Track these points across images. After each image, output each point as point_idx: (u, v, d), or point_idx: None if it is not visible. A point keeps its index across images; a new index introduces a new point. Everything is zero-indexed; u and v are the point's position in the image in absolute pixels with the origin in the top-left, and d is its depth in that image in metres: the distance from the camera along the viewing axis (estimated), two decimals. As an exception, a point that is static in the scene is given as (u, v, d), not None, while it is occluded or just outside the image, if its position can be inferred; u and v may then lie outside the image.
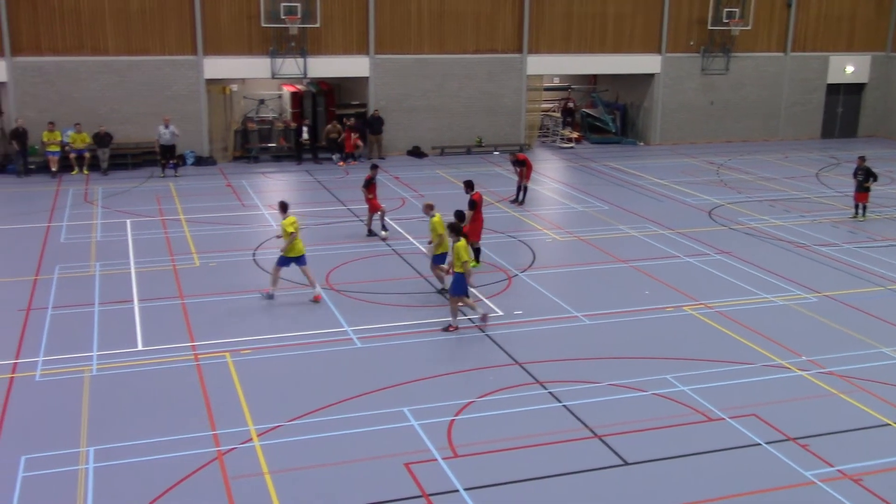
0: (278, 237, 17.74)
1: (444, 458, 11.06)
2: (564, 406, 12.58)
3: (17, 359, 14.03)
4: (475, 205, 18.80)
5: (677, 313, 16.46)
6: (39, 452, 11.08)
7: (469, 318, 15.85)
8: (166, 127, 28.98)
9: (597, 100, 39.15)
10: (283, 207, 17.31)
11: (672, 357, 14.36)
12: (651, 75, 36.71)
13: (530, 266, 19.38)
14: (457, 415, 12.26)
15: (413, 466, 10.85)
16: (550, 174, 30.58)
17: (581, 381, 13.45)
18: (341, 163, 31.77)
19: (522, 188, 25.59)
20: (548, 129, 38.39)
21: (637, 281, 18.43)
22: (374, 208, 21.46)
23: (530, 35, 34.53)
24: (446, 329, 15.38)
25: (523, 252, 20.51)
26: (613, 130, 38.09)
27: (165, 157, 29.12)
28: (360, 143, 32.13)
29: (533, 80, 36.02)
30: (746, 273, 18.94)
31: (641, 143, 37.52)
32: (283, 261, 16.84)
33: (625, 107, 38.45)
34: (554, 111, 39.79)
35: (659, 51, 36.34)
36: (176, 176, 28.95)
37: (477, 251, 19.02)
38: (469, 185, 19.57)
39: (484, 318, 15.67)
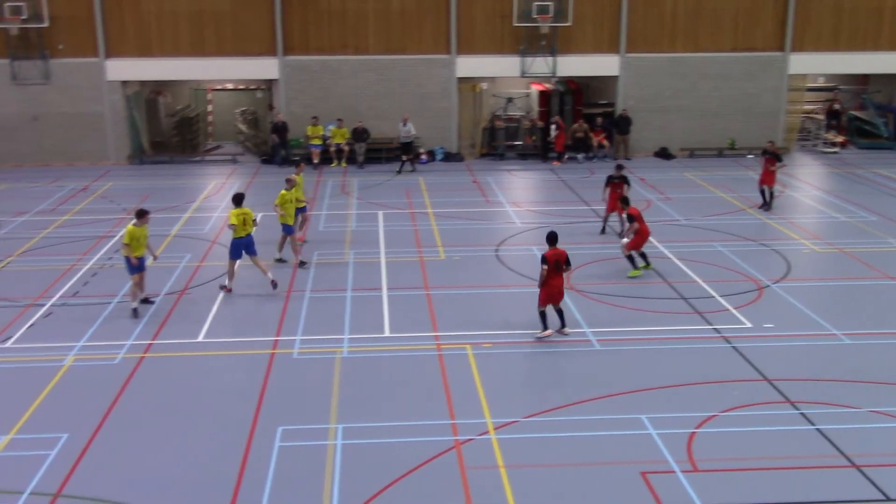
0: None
1: (682, 472, 10.65)
2: (818, 429, 11.70)
3: (277, 336, 15.11)
4: (547, 261, 14.66)
5: (954, 339, 14.84)
6: (294, 425, 11.86)
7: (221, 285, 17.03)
8: (404, 125, 30.09)
9: (867, 101, 36.18)
10: (235, 200, 17.23)
11: (947, 387, 12.96)
12: (932, 75, 33.43)
13: (784, 277, 18.23)
14: (698, 427, 11.76)
15: (650, 476, 10.53)
16: (810, 180, 28.65)
17: (838, 404, 12.45)
18: (556, 162, 31.46)
19: (769, 192, 24.13)
20: (809, 132, 35.94)
21: (907, 300, 16.84)
22: (610, 208, 21.17)
23: (794, 32, 32.51)
24: (222, 287, 17.00)
25: (776, 262, 19.33)
26: (885, 135, 35.00)
27: (406, 154, 30.18)
28: (605, 142, 31.73)
29: (795, 80, 33.87)
30: None
31: (918, 150, 34.24)
32: (234, 251, 17.22)
33: (900, 110, 35.24)
34: (817, 113, 37.20)
35: (943, 48, 32.99)
36: (412, 171, 29.87)
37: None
38: (551, 240, 14.90)
39: (135, 311, 15.87)
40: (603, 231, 21.53)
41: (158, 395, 12.93)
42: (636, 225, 18.14)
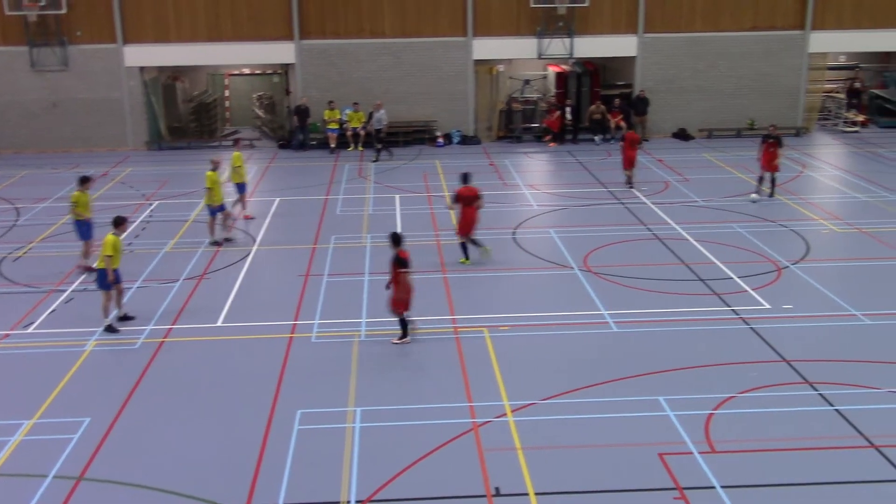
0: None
1: (700, 453, 10.65)
2: (836, 410, 11.66)
3: (295, 320, 15.20)
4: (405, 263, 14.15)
5: (976, 319, 14.72)
6: (313, 408, 11.95)
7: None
8: (377, 112, 29.84)
9: (889, 80, 35.73)
10: (115, 223, 15.11)
11: (968, 367, 12.87)
12: (955, 52, 32.96)
13: (803, 258, 18.12)
14: (716, 409, 11.75)
15: (667, 457, 10.54)
16: (831, 160, 28.39)
17: (857, 384, 12.40)
18: (553, 143, 31.31)
19: (770, 179, 23.03)
20: (830, 111, 35.59)
21: (928, 280, 16.71)
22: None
23: (815, 9, 32.14)
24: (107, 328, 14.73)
25: (796, 243, 19.21)
26: (907, 114, 34.62)
27: (378, 142, 29.59)
28: (622, 124, 31.56)
29: (815, 59, 33.50)
30: None
31: (940, 128, 33.82)
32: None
33: (922, 88, 34.79)
34: (837, 92, 36.79)
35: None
36: (389, 159, 29.02)
37: (463, 246, 18.05)
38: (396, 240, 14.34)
39: (109, 328, 14.69)
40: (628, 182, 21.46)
41: (178, 379, 13.06)
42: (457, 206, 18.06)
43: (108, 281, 14.68)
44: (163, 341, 14.37)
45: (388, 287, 14.12)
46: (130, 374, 13.12)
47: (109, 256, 14.59)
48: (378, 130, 29.60)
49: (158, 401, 12.35)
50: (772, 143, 22.83)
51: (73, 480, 10.31)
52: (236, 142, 23.33)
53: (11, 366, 13.74)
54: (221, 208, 19.63)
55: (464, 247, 18.07)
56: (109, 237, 14.77)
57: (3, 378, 13.27)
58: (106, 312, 14.92)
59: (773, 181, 23.18)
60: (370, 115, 30.48)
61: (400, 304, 14.01)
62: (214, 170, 19.71)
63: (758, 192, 22.89)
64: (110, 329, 14.78)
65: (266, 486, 10.16)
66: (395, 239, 14.14)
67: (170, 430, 11.53)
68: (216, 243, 19.60)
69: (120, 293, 15.19)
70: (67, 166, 28.65)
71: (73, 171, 27.87)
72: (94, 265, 15.32)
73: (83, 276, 17.39)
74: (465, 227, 18.01)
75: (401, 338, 14.11)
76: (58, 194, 24.69)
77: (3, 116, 31.23)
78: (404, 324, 14.14)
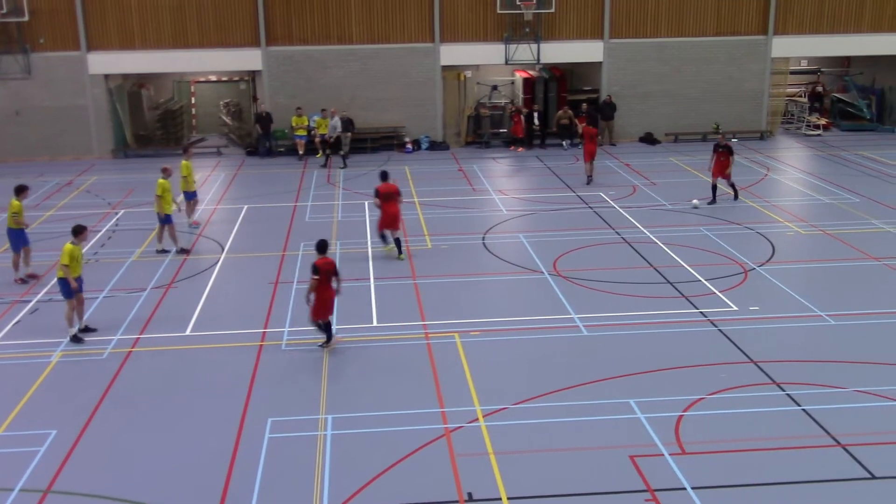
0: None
1: (671, 454, 10.73)
2: (804, 410, 11.81)
3: (265, 328, 15.11)
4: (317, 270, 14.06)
5: (938, 318, 14.98)
6: (284, 416, 11.88)
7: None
8: (332, 118, 29.92)
9: (850, 84, 36.37)
10: (75, 232, 14.98)
11: (930, 365, 13.09)
12: (914, 56, 33.57)
13: (769, 260, 18.35)
14: (685, 410, 11.85)
15: (638, 460, 10.61)
16: (794, 163, 28.78)
17: (823, 384, 12.57)
18: (520, 148, 31.50)
19: (729, 184, 23.04)
20: (793, 115, 36.12)
21: (892, 281, 16.96)
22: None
23: (777, 15, 32.61)
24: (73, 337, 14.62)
25: (761, 245, 19.45)
26: (868, 117, 35.23)
27: (331, 148, 29.65)
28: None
29: (778, 64, 34.00)
30: None
31: (900, 131, 34.44)
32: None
33: (882, 91, 35.38)
34: (800, 96, 37.36)
35: (924, 29, 33.14)
36: (343, 167, 28.94)
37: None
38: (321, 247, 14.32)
39: (75, 337, 14.57)
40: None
41: (147, 389, 12.91)
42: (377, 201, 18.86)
43: (70, 289, 14.46)
44: (130, 351, 14.22)
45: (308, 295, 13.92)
46: (98, 385, 12.95)
47: (66, 265, 14.38)
48: (332, 137, 29.61)
49: (126, 411, 12.21)
50: (722, 153, 22.76)
51: (40, 493, 10.16)
52: (185, 150, 23.23)
53: (-25, 378, 13.51)
54: (168, 219, 19.47)
55: (384, 237, 19.10)
56: (68, 246, 14.58)
57: (-33, 391, 13.05)
58: (70, 322, 14.71)
59: (732, 185, 23.36)
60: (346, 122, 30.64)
61: (312, 311, 13.91)
62: (167, 178, 19.62)
63: (713, 198, 22.92)
64: (76, 339, 14.58)
65: (237, 495, 10.08)
66: (318, 246, 14.09)
67: (138, 440, 11.40)
68: (164, 251, 19.46)
69: (80, 303, 14.87)
70: (32, 175, 28.25)
71: (37, 179, 27.52)
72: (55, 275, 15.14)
73: (30, 283, 17.62)
74: (386, 222, 18.84)
75: (325, 343, 14.06)
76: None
77: (-35, 125, 30.75)
78: (325, 328, 14.05)
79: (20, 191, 18.07)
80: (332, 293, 14.01)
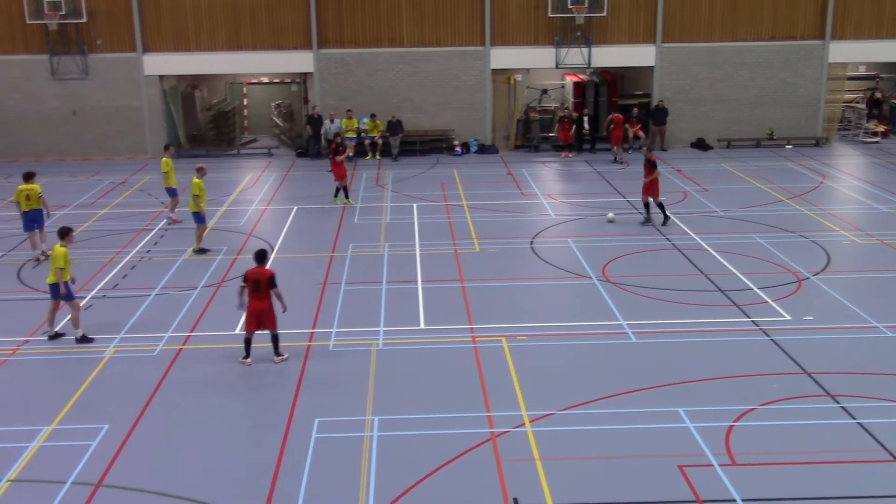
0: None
1: (720, 465, 10.54)
2: (859, 423, 11.52)
3: (313, 328, 15.20)
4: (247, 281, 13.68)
5: None
6: (331, 416, 11.92)
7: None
8: (332, 122, 29.94)
9: (909, 90, 35.52)
10: (61, 234, 14.94)
11: None
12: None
13: (824, 269, 17.97)
14: (735, 421, 11.64)
15: (687, 470, 10.44)
16: (851, 171, 28.19)
17: (881, 398, 12.25)
18: (570, 154, 31.22)
19: (657, 204, 21.20)
20: (850, 121, 35.39)
21: (951, 292, 16.52)
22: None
23: (835, 19, 31.98)
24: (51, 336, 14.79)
25: (816, 253, 19.06)
26: (927, 124, 34.38)
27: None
28: (640, 133, 31.45)
29: (835, 69, 33.33)
30: None
31: (961, 139, 33.54)
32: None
33: (942, 98, 34.54)
34: (858, 102, 36.59)
35: None
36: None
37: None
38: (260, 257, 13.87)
39: (83, 338, 14.53)
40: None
41: (196, 386, 13.07)
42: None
43: (69, 292, 14.50)
44: (181, 348, 14.40)
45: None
46: (149, 381, 13.14)
47: (61, 269, 14.35)
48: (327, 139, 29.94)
49: (177, 407, 12.36)
50: (646, 168, 21.15)
51: (91, 487, 10.32)
52: (167, 147, 23.63)
53: (30, 372, 13.80)
54: (202, 218, 19.72)
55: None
56: (59, 249, 14.49)
57: (23, 384, 13.33)
58: (76, 324, 14.66)
59: (660, 206, 21.30)
60: (389, 124, 30.80)
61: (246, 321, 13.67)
62: (201, 177, 19.83)
63: (646, 216, 21.45)
64: (84, 339, 14.59)
65: (283, 494, 10.13)
66: (255, 255, 13.80)
67: (187, 437, 11.53)
68: (202, 251, 19.64)
69: (58, 308, 14.82)
70: (87, 174, 28.81)
71: (92, 178, 28.07)
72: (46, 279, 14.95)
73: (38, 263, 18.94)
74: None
75: (244, 358, 13.70)
76: (77, 202, 24.84)
77: (23, 124, 31.47)
78: (245, 343, 13.68)
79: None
80: (260, 306, 13.41)
